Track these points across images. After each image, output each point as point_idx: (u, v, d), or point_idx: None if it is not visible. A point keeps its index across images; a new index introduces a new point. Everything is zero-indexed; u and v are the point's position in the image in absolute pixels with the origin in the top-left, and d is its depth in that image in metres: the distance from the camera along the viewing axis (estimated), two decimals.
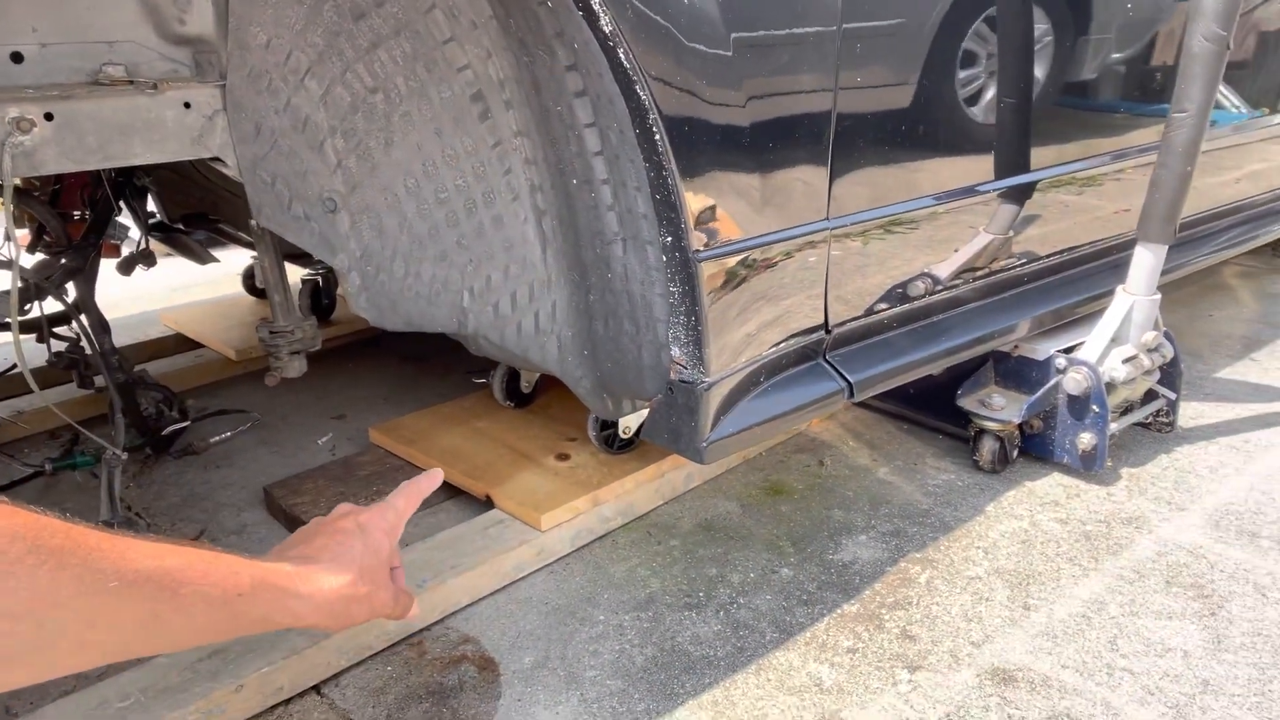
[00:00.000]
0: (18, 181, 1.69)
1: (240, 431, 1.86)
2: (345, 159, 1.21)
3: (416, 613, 0.84)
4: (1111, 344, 1.47)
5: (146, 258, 1.98)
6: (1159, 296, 1.49)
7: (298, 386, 2.00)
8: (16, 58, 0.96)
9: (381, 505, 0.81)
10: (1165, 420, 1.66)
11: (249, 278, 2.54)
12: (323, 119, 1.18)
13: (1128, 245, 1.52)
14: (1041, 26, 1.50)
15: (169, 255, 2.30)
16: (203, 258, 2.15)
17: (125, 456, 1.49)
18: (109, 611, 0.53)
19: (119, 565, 0.53)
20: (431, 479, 0.90)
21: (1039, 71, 1.52)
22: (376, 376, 2.12)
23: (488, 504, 1.47)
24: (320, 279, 2.29)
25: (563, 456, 1.56)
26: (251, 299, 2.53)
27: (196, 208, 2.06)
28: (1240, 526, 1.40)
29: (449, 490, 1.57)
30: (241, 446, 1.81)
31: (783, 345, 1.24)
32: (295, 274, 2.20)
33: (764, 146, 1.08)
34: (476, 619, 1.26)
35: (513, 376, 1.74)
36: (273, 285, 1.42)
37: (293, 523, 1.48)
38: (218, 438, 1.83)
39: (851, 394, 1.31)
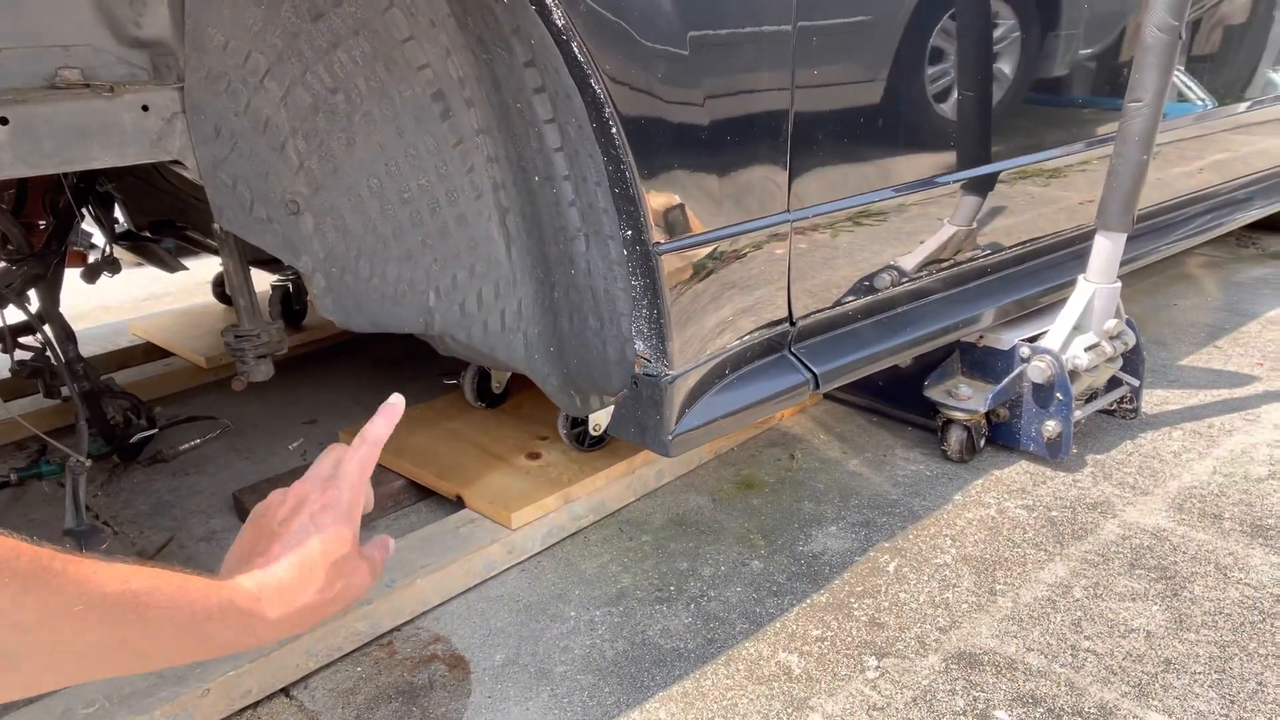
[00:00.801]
0: None
1: (210, 439, 1.85)
2: (307, 160, 1.21)
3: (392, 544, 0.79)
4: (1074, 332, 1.49)
5: (111, 265, 1.96)
6: (1119, 285, 1.51)
7: (269, 393, 1.99)
8: None
9: (333, 486, 0.73)
10: (1129, 407, 1.68)
11: (219, 285, 2.52)
12: (283, 120, 1.18)
13: (1090, 235, 1.54)
14: (1007, 22, 1.52)
15: (139, 264, 2.28)
16: (171, 266, 2.14)
17: (89, 464, 1.48)
18: (73, 635, 0.52)
19: (84, 589, 0.52)
20: (390, 413, 0.79)
21: (1004, 65, 1.54)
22: (348, 381, 2.12)
23: (459, 504, 1.47)
24: (291, 285, 2.28)
25: (534, 455, 1.56)
26: (223, 307, 2.52)
27: (164, 215, 2.05)
28: (1203, 509, 1.42)
29: (420, 491, 1.57)
30: (211, 454, 1.80)
31: (747, 338, 1.25)
32: (267, 280, 2.19)
33: (722, 141, 1.09)
34: (447, 618, 1.26)
35: (483, 377, 1.74)
36: (237, 289, 1.41)
37: None
38: (187, 445, 1.82)
39: (817, 385, 1.32)
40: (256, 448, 1.81)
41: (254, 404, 1.98)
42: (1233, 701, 1.04)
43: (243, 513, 1.53)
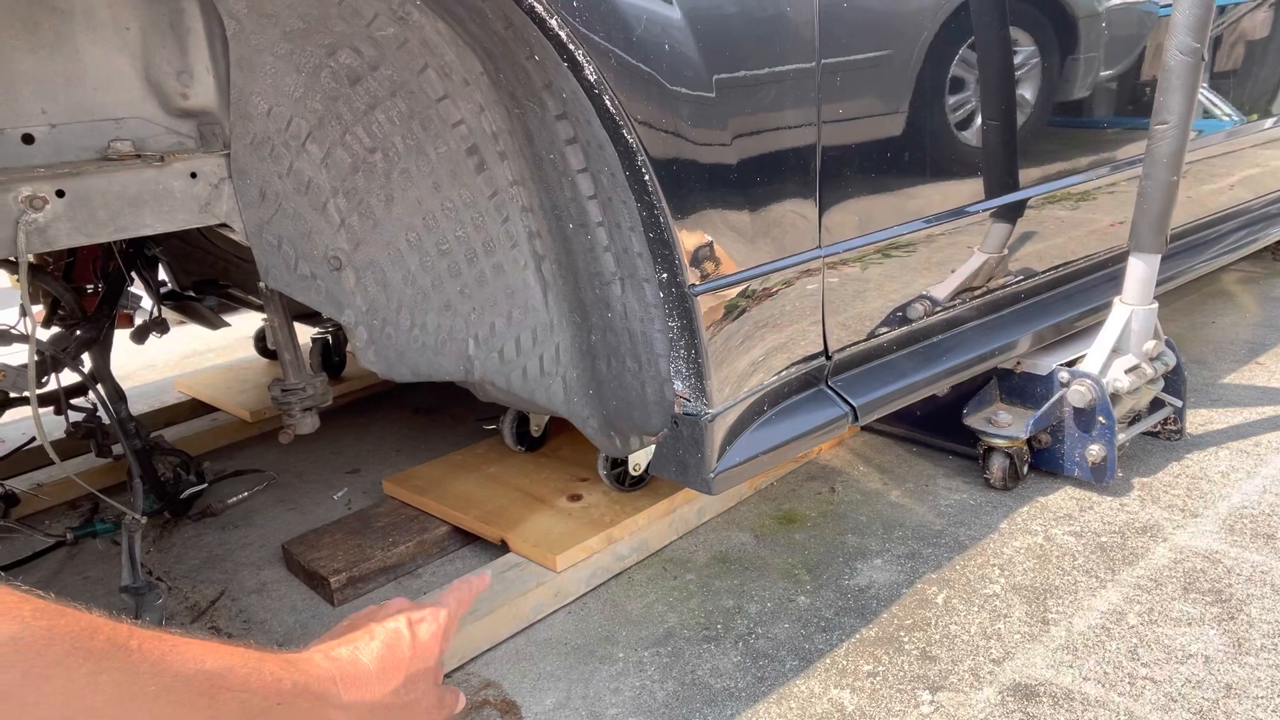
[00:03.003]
0: (31, 258, 1.74)
1: (257, 491, 1.89)
2: (348, 217, 1.25)
3: (462, 705, 0.80)
4: (1113, 355, 1.48)
5: (159, 326, 2.02)
6: (1156, 305, 1.50)
7: (312, 444, 2.03)
8: (28, 139, 1.01)
9: (434, 606, 0.77)
10: (1174, 428, 1.66)
11: (260, 340, 2.58)
12: (325, 180, 1.22)
13: (1123, 257, 1.54)
14: (1027, 49, 1.54)
15: (182, 323, 2.34)
16: (214, 323, 2.19)
17: (144, 521, 1.51)
18: (144, 716, 0.51)
19: (159, 670, 0.52)
20: (483, 579, 0.89)
21: (1026, 91, 1.55)
22: (389, 429, 2.15)
23: (503, 548, 1.48)
24: (330, 337, 2.32)
25: (575, 497, 1.57)
26: (264, 361, 2.57)
27: (206, 274, 2.11)
28: (1255, 529, 1.40)
29: (464, 537, 1.58)
30: (259, 506, 1.83)
31: (784, 373, 1.26)
32: (306, 333, 2.24)
33: (752, 181, 1.11)
34: (497, 662, 1.27)
35: (522, 421, 1.76)
36: (283, 344, 1.45)
37: (311, 578, 1.50)
38: (235, 498, 1.85)
39: (856, 418, 1.32)
40: (302, 499, 1.84)
41: (298, 456, 2.02)
42: None
43: (292, 564, 1.56)
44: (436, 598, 0.80)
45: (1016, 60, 1.52)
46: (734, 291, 1.13)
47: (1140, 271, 1.44)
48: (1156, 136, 1.35)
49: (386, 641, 0.70)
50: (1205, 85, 2.04)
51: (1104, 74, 1.68)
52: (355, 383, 2.33)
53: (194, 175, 1.15)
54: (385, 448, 2.03)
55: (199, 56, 1.10)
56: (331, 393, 1.49)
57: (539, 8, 0.87)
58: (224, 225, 1.20)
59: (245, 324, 2.68)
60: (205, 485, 1.82)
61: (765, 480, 1.70)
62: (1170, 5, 1.36)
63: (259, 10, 1.04)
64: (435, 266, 1.28)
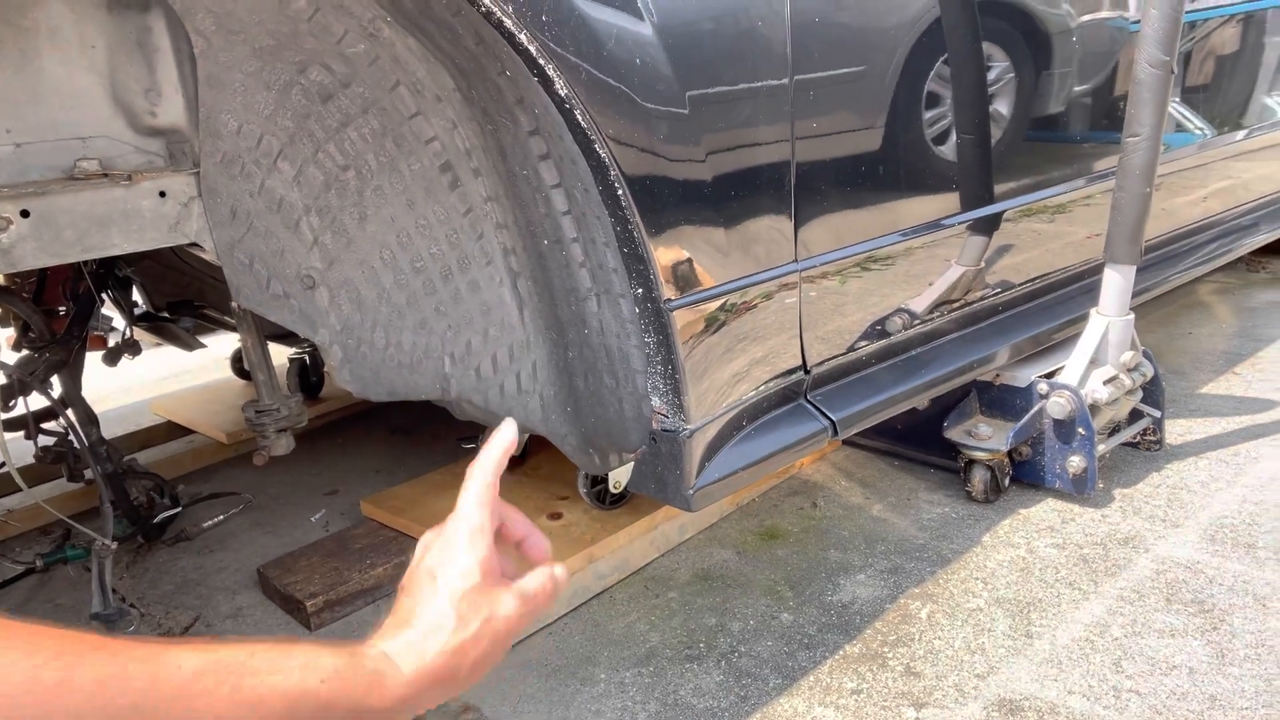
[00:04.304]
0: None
1: (233, 514, 1.86)
2: (321, 236, 1.24)
3: (564, 576, 0.69)
4: (1091, 366, 1.48)
5: (131, 348, 1.99)
6: (1132, 316, 1.51)
7: (290, 466, 2.00)
8: None
9: (449, 521, 0.67)
10: (1153, 438, 1.67)
11: (237, 361, 2.55)
12: (297, 198, 1.21)
13: (1100, 269, 1.55)
14: (1002, 64, 1.55)
15: (157, 344, 2.31)
16: (190, 344, 2.16)
17: (115, 546, 1.48)
18: None
19: (158, 670, 0.48)
20: (502, 442, 0.71)
21: (1002, 106, 1.56)
22: (367, 450, 2.12)
23: None
24: (307, 357, 2.30)
25: (555, 516, 1.56)
26: (241, 382, 2.54)
27: (181, 295, 2.08)
28: (1236, 539, 1.40)
29: None
30: (235, 529, 1.80)
31: (763, 388, 1.25)
32: (285, 354, 2.22)
33: (726, 196, 1.10)
34: (476, 685, 1.24)
35: None
36: (256, 365, 1.43)
37: (287, 603, 1.47)
38: (210, 522, 1.82)
39: (835, 432, 1.31)
40: (279, 521, 1.81)
41: (275, 477, 1.99)
42: None
43: (268, 589, 1.53)
44: (457, 507, 0.67)
45: (991, 75, 1.53)
46: (710, 306, 1.12)
47: (1116, 283, 1.44)
48: (1129, 149, 1.36)
49: (418, 594, 0.62)
50: (1177, 99, 2.06)
51: (1078, 89, 1.70)
52: (333, 403, 2.31)
53: (163, 194, 1.13)
54: (364, 468, 2.01)
55: (167, 74, 1.09)
56: (307, 413, 1.47)
57: (508, 23, 0.86)
58: (194, 245, 1.18)
59: (224, 345, 2.66)
60: (180, 509, 1.79)
61: (747, 496, 1.69)
62: (1140, 21, 1.37)
63: (227, 28, 1.03)
64: (410, 284, 1.26)
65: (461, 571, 0.63)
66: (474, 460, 0.71)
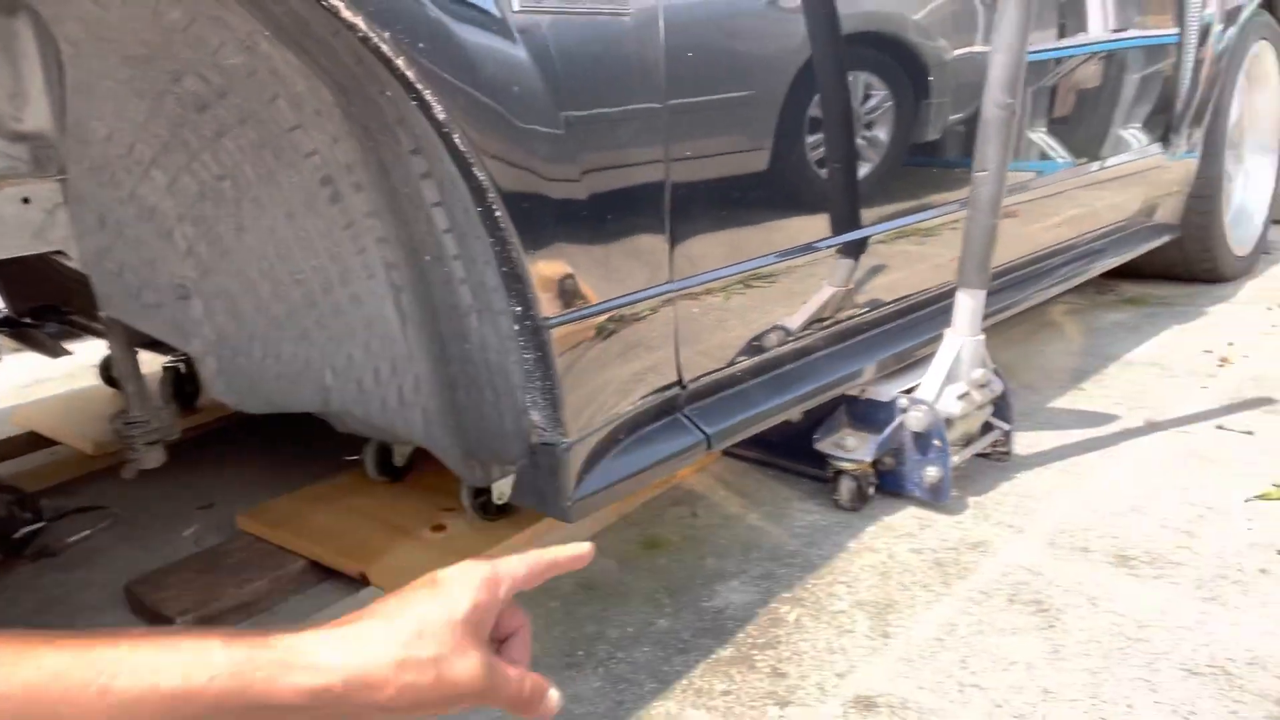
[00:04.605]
0: None
1: (100, 529, 1.79)
2: (195, 245, 1.22)
3: (555, 703, 0.62)
4: (945, 382, 1.59)
5: None
6: (983, 336, 1.62)
7: (162, 478, 1.93)
8: None
9: (482, 562, 0.62)
10: (1003, 450, 1.79)
11: (106, 369, 2.45)
12: (170, 207, 1.19)
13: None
14: (881, 92, 1.64)
15: (18, 350, 2.20)
16: (55, 351, 2.07)
17: None
18: None
19: (18, 672, 0.44)
20: (574, 553, 0.66)
21: (881, 133, 1.66)
22: (245, 462, 2.07)
23: (363, 582, 1.46)
24: (182, 365, 2.23)
25: (439, 528, 1.57)
26: (110, 391, 2.44)
27: (47, 300, 2.00)
28: (1073, 543, 1.52)
29: (323, 572, 1.55)
30: (102, 545, 1.74)
31: (640, 402, 1.30)
32: (158, 361, 2.14)
33: (603, 217, 1.15)
34: None
35: (385, 451, 1.74)
36: (126, 375, 1.40)
37: (156, 620, 1.43)
38: (76, 537, 1.75)
39: (710, 445, 1.37)
40: (150, 537, 1.76)
41: (146, 491, 1.92)
42: None
43: (137, 606, 1.49)
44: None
45: (870, 104, 1.63)
46: (587, 324, 1.16)
47: (967, 305, 1.55)
48: (977, 183, 1.47)
49: (401, 598, 0.56)
50: (1044, 130, 2.21)
51: (951, 118, 1.81)
52: (209, 414, 2.24)
53: (26, 200, 1.11)
54: (241, 481, 1.97)
55: (33, 79, 1.07)
56: (178, 424, 1.44)
57: (385, 48, 0.88)
58: (59, 252, 1.15)
59: (91, 351, 2.54)
60: (43, 524, 1.72)
61: (630, 506, 1.73)
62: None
63: (97, 35, 1.01)
64: (289, 296, 1.26)
65: (451, 599, 0.57)
66: (551, 551, 0.66)
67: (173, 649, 0.48)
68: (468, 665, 0.55)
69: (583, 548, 0.68)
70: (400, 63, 0.90)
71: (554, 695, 0.63)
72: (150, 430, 1.41)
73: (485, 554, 1.45)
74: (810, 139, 1.50)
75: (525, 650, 0.65)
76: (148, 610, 1.45)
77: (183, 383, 2.27)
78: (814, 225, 1.56)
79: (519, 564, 0.63)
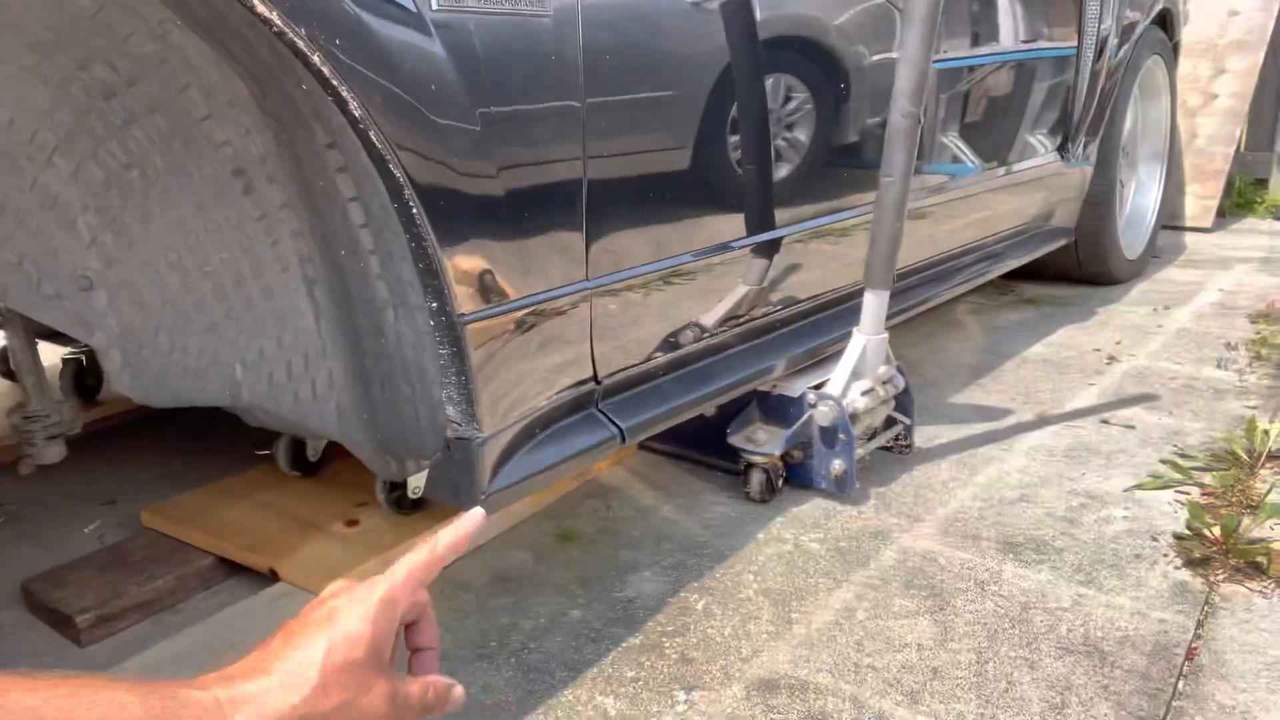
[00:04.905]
0: None
1: None
2: (100, 235, 1.20)
3: (460, 697, 0.65)
4: (852, 378, 1.66)
5: None
6: (887, 335, 1.70)
7: (62, 474, 1.87)
8: None
9: (377, 577, 0.63)
10: (904, 443, 1.87)
11: (2, 360, 2.35)
12: (74, 196, 1.17)
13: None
14: (800, 95, 1.69)
15: None
16: None
17: None
18: None
19: None
20: (461, 528, 0.68)
21: (801, 135, 1.71)
22: (151, 457, 2.02)
23: (273, 578, 1.45)
24: (84, 357, 2.16)
25: (353, 523, 1.56)
26: (6, 383, 2.34)
27: None
28: (965, 531, 1.61)
29: (231, 568, 1.53)
30: None
31: (555, 398, 1.32)
32: (57, 353, 2.07)
33: (519, 214, 1.17)
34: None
35: (298, 446, 1.72)
36: (24, 368, 1.35)
37: (55, 618, 1.39)
38: None
39: (624, 439, 1.41)
40: (48, 534, 1.70)
41: (45, 486, 1.86)
42: (988, 701, 1.19)
43: (34, 604, 1.44)
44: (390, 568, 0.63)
45: (784, 107, 1.68)
46: (503, 320, 1.18)
47: (873, 305, 1.62)
48: (883, 187, 1.54)
49: (296, 639, 0.56)
50: (956, 134, 2.31)
51: (861, 123, 1.87)
52: (113, 407, 2.17)
53: None
54: (146, 477, 1.92)
55: None
56: (80, 419, 1.41)
57: (301, 44, 0.89)
58: None
59: None
60: None
61: (547, 499, 1.75)
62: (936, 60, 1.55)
63: (0, 19, 0.99)
64: (199, 288, 1.24)
65: (351, 636, 0.57)
66: (436, 535, 0.67)
67: (90, 705, 0.47)
68: (373, 702, 0.57)
69: (474, 514, 0.69)
70: (316, 58, 0.90)
71: (457, 692, 0.65)
72: (50, 424, 1.37)
73: (396, 548, 1.46)
74: (730, 140, 1.55)
75: (431, 630, 0.67)
76: (45, 608, 1.41)
77: (83, 375, 2.19)
78: (731, 225, 1.60)
79: (415, 567, 0.64)
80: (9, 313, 1.29)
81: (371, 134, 0.97)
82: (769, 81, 1.63)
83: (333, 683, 0.55)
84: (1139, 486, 1.76)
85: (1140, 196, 3.54)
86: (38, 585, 1.45)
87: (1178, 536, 1.57)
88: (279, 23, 0.87)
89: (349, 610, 0.59)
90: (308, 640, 0.57)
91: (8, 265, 1.15)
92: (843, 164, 1.90)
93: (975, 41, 2.31)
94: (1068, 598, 1.41)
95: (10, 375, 2.32)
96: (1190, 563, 1.50)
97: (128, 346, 1.23)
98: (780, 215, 1.70)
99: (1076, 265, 3.20)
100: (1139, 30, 3.08)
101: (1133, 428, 2.05)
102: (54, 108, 1.09)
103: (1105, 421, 2.08)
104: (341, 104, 0.94)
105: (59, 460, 1.39)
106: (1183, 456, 1.88)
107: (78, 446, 1.64)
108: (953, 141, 2.32)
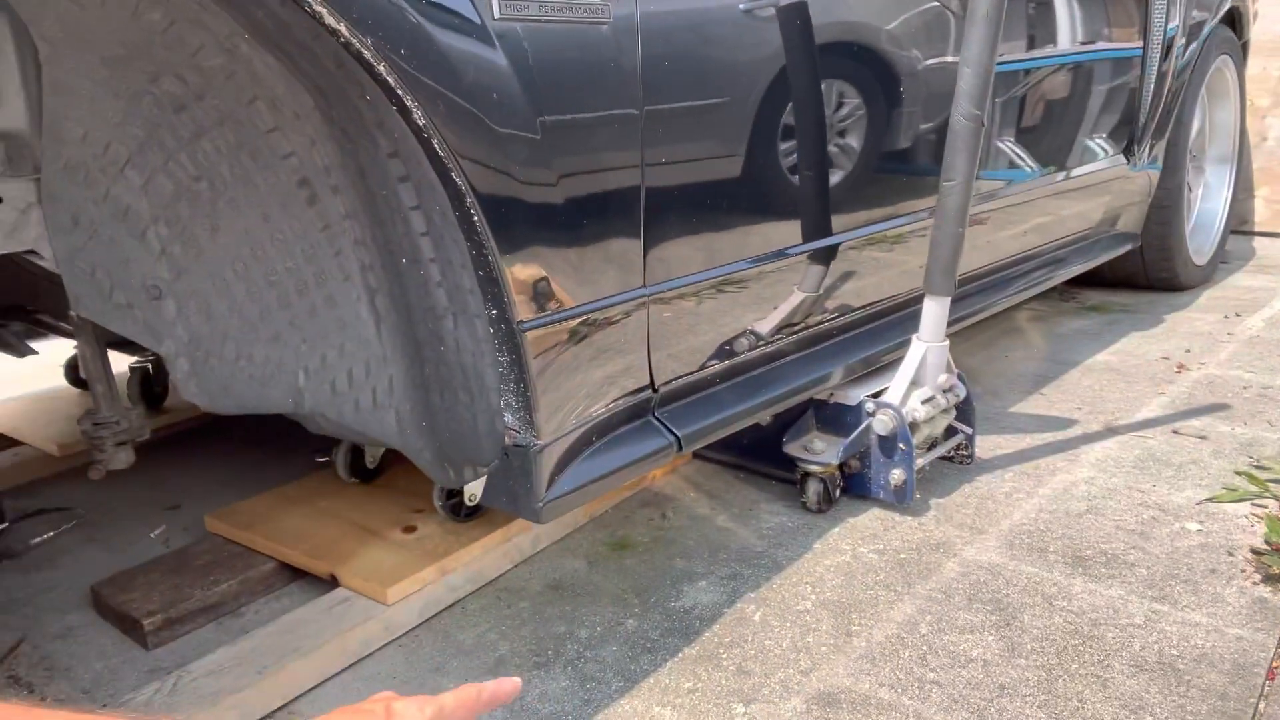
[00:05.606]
0: None
1: (64, 530, 1.77)
2: (169, 246, 1.22)
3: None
4: (911, 386, 1.63)
5: None
6: (948, 342, 1.66)
7: (129, 480, 1.92)
8: None
9: (424, 696, 0.68)
10: (965, 453, 1.83)
11: (72, 369, 2.42)
12: (145, 207, 1.19)
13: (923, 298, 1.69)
14: (853, 101, 1.67)
15: None
16: (20, 350, 2.05)
17: None
18: None
19: None
20: (501, 687, 0.74)
21: (852, 141, 1.69)
22: (214, 463, 2.07)
23: (333, 583, 1.46)
24: (150, 366, 2.22)
25: (410, 529, 1.57)
26: (76, 391, 2.42)
27: (13, 299, 1.97)
28: (1031, 544, 1.57)
29: (292, 573, 1.55)
30: (66, 546, 1.72)
31: (612, 405, 1.32)
32: (125, 361, 2.13)
33: (578, 221, 1.17)
34: (322, 700, 1.25)
35: (357, 453, 1.74)
36: (95, 375, 1.39)
37: (123, 621, 1.43)
38: (39, 538, 1.74)
39: (681, 448, 1.39)
40: (115, 538, 1.74)
41: (112, 492, 1.91)
42: (1058, 719, 1.15)
43: (102, 607, 1.48)
44: (440, 695, 0.68)
45: (841, 112, 1.66)
46: (562, 328, 1.18)
47: (933, 312, 1.59)
48: (944, 192, 1.51)
49: None
50: (1010, 140, 2.26)
51: (918, 128, 1.84)
52: (178, 414, 2.23)
53: None
54: (209, 482, 1.96)
55: (9, 78, 1.06)
56: (149, 425, 1.44)
57: (367, 54, 0.90)
58: (31, 252, 1.15)
59: (55, 351, 2.51)
60: (6, 525, 1.70)
61: (600, 508, 1.75)
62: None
63: (76, 35, 1.01)
64: (264, 297, 1.26)
65: None
66: (470, 685, 0.72)
67: None
68: None
69: (513, 683, 0.76)
70: (381, 68, 0.91)
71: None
72: (119, 431, 1.41)
73: (453, 556, 1.47)
74: (784, 146, 1.53)
75: None
76: (113, 611, 1.45)
77: (150, 383, 2.25)
78: (786, 232, 1.59)
79: (463, 702, 0.69)
80: (81, 321, 1.32)
81: (434, 142, 0.98)
82: (825, 87, 1.61)
83: None
84: (1213, 499, 1.70)
85: (1208, 200, 3.44)
86: (106, 589, 1.48)
87: (1255, 551, 1.51)
88: (346, 33, 0.88)
89: (408, 710, 0.64)
90: None
91: (81, 275, 1.18)
92: (899, 170, 1.87)
93: (1038, 43, 2.26)
94: (1140, 614, 1.36)
95: (81, 383, 2.39)
96: (1269, 579, 1.44)
97: (195, 355, 1.25)
98: (837, 221, 1.68)
99: (1142, 271, 3.12)
100: (1207, 29, 2.99)
101: (1205, 438, 1.98)
102: (126, 121, 1.12)
103: (1176, 432, 2.02)
104: (405, 113, 0.95)
105: (127, 466, 1.42)
106: (1259, 468, 1.81)
107: (144, 453, 1.68)
108: (1013, 145, 2.27)
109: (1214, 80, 3.23)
